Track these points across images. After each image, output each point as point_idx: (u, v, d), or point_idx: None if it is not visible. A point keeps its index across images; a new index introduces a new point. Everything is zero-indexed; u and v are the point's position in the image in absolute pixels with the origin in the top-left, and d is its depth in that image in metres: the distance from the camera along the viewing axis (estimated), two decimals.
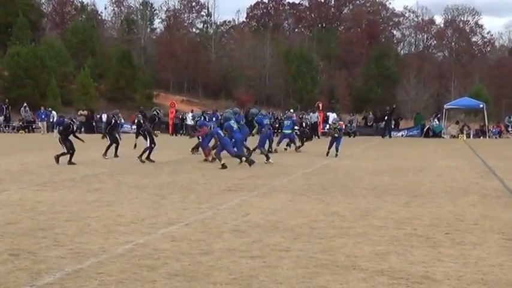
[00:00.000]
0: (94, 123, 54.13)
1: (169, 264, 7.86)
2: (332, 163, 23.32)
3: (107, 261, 7.94)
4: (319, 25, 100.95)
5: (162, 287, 6.88)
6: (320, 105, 53.89)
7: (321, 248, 8.88)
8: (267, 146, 26.72)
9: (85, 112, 55.31)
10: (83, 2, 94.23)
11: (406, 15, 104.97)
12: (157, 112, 25.00)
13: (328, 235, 9.81)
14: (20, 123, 54.80)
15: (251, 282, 7.08)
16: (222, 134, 21.68)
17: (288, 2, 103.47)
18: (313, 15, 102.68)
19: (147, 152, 23.25)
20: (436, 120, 53.70)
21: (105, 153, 24.65)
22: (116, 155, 24.98)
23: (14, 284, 6.88)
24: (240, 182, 17.21)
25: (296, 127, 30.32)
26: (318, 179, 18.24)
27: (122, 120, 31.66)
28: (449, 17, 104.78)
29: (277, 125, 42.23)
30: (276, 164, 22.65)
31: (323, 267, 7.79)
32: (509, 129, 54.60)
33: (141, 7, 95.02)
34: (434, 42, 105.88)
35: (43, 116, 53.09)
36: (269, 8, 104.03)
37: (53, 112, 53.66)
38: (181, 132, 53.97)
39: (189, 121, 54.04)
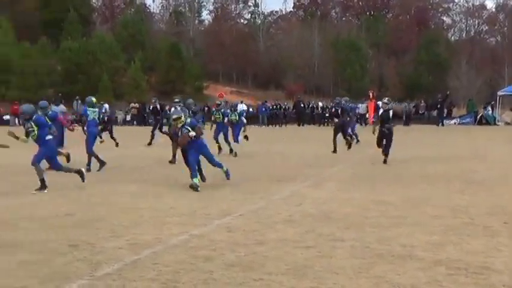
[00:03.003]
0: (145, 116, 54.66)
1: (225, 254, 7.91)
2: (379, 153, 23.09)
3: (163, 252, 8.02)
4: (367, 13, 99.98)
5: (219, 278, 6.92)
6: (371, 93, 53.37)
7: (375, 237, 8.84)
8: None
9: (136, 105, 55.93)
10: None
11: (456, 0, 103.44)
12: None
13: (382, 224, 9.75)
14: (74, 116, 55.54)
15: (306, 272, 7.09)
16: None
17: None
18: (361, 3, 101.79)
19: None
20: (489, 108, 52.81)
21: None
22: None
23: (74, 275, 7.00)
24: (291, 172, 17.20)
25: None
26: (369, 168, 18.13)
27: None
28: (501, 1, 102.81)
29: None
30: (325, 154, 22.56)
31: (379, 257, 7.75)
32: None
33: None
34: (486, 27, 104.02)
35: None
36: None
37: (105, 105, 54.23)
38: None
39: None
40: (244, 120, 23.64)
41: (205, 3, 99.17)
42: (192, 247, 8.32)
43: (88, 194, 13.05)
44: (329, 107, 27.71)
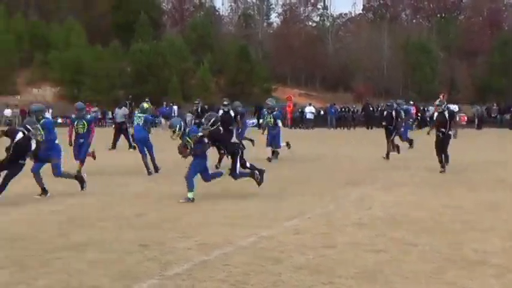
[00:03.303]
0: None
1: (294, 257, 7.88)
2: (454, 155, 22.69)
3: (232, 253, 8.04)
4: (438, 15, 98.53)
5: (288, 280, 6.90)
6: (442, 96, 52.37)
7: (447, 242, 8.68)
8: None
9: (205, 107, 56.28)
10: None
11: None
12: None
13: (454, 229, 9.58)
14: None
15: (377, 277, 7.01)
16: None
17: None
18: (431, 5, 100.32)
19: None
20: None
21: None
22: None
23: (145, 274, 7.08)
24: (360, 175, 17.07)
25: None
26: (439, 171, 17.80)
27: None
28: None
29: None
30: (396, 157, 22.30)
31: (451, 262, 7.62)
32: None
33: (258, 2, 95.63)
34: None
35: (164, 111, 54.40)
36: None
37: (174, 107, 55.01)
38: (300, 125, 54.17)
39: (309, 115, 54.17)
40: (280, 124, 22.01)
41: (274, 6, 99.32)
42: (261, 249, 8.32)
43: (159, 195, 13.19)
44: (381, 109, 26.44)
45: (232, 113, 19.81)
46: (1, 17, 70.33)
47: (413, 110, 50.84)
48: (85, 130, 17.05)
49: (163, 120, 54.19)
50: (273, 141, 21.57)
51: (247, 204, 11.95)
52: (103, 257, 7.84)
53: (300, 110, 56.84)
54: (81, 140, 17.08)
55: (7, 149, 11.82)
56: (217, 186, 14.55)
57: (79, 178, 13.73)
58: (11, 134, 11.79)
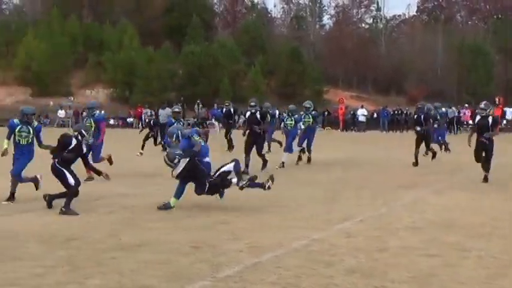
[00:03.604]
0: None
1: (346, 260, 7.81)
2: (510, 160, 22.30)
3: (283, 256, 8.00)
4: (495, 16, 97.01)
5: (340, 283, 6.83)
6: (498, 99, 51.49)
7: (503, 247, 8.52)
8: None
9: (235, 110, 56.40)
10: (254, 1, 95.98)
11: None
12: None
13: (511, 235, 9.39)
14: (194, 119, 56.69)
15: (431, 281, 6.90)
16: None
17: None
18: (487, 6, 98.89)
19: None
20: None
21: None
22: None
23: (197, 276, 7.08)
24: (413, 178, 16.86)
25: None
26: (497, 175, 17.45)
27: None
28: None
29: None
30: (449, 160, 21.98)
31: (506, 268, 7.46)
32: None
33: (310, 4, 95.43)
34: None
35: (215, 113, 54.56)
36: (441, 1, 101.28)
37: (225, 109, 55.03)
38: (352, 128, 53.90)
39: (361, 118, 53.79)
40: (302, 126, 21.32)
41: (326, 8, 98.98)
42: (313, 251, 8.26)
43: (209, 197, 13.21)
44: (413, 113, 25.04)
45: (258, 115, 19.63)
46: (56, 20, 71.55)
47: (467, 113, 50.14)
48: (92, 130, 15.33)
49: (215, 122, 54.48)
50: (306, 142, 21.37)
51: (298, 207, 11.90)
52: (155, 257, 7.87)
53: (352, 112, 56.53)
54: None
55: (53, 151, 11.83)
56: (275, 189, 14.51)
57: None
58: (65, 141, 11.77)
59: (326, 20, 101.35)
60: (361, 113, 54.60)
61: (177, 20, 77.91)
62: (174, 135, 12.54)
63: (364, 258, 7.90)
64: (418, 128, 20.76)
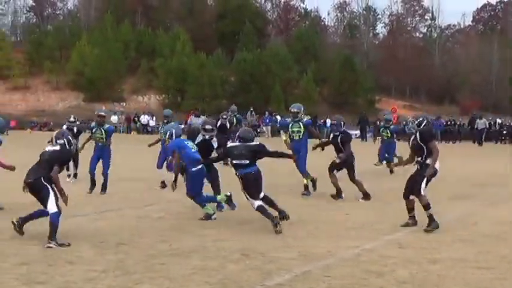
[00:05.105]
0: (317, 128, 54.88)
1: (397, 271, 7.73)
2: None
3: (334, 265, 7.95)
4: None
5: None
6: None
7: None
8: None
9: (308, 117, 56.26)
10: (307, 9, 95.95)
11: None
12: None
13: None
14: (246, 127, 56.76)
15: None
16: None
17: None
18: None
19: None
20: None
21: None
22: None
23: (247, 283, 7.08)
24: (466, 190, 16.62)
25: None
26: None
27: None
28: None
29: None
30: (503, 173, 21.59)
31: None
32: None
33: (364, 12, 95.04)
34: None
35: (267, 121, 54.70)
36: (497, 11, 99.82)
37: (278, 117, 55.16)
38: (404, 137, 53.27)
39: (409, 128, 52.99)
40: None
41: (380, 16, 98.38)
42: (363, 261, 8.19)
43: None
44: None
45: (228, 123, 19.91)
46: (109, 25, 72.41)
47: None
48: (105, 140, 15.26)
49: (265, 129, 54.56)
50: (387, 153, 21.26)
51: (349, 216, 11.82)
52: (205, 264, 7.89)
53: (404, 122, 55.93)
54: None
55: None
56: (322, 198, 14.46)
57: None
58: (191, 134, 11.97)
59: (380, 28, 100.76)
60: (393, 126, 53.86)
61: (230, 27, 78.19)
62: (168, 133, 12.21)
63: (416, 270, 7.81)
64: None
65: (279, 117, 55.15)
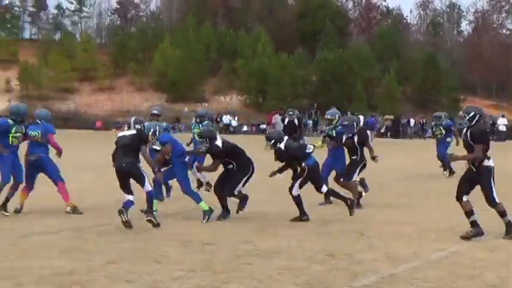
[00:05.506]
0: (400, 128, 54.31)
1: (486, 274, 7.55)
2: None
3: (421, 267, 7.82)
4: None
5: None
6: None
7: None
8: None
9: (391, 116, 55.81)
10: (389, 7, 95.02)
11: None
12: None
13: None
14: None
15: None
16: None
17: None
18: None
19: None
20: None
21: None
22: None
23: (333, 284, 7.04)
24: None
25: None
26: None
27: None
28: None
29: None
30: None
31: None
32: None
33: (448, 9, 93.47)
34: None
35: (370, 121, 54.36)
36: None
37: (360, 117, 54.77)
38: (492, 137, 52.19)
39: (501, 127, 51.87)
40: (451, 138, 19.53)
41: (465, 13, 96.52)
42: (451, 264, 8.04)
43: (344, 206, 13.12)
44: None
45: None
46: (191, 27, 73.31)
47: None
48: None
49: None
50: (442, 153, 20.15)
51: (437, 218, 11.61)
52: (290, 264, 7.88)
53: (491, 122, 54.72)
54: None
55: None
56: (404, 198, 14.28)
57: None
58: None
59: (464, 26, 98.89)
60: (502, 123, 52.80)
61: (311, 26, 78.10)
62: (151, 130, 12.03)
63: (506, 273, 7.61)
64: None
65: (361, 117, 54.85)
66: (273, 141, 11.52)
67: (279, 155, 11.52)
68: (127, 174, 10.40)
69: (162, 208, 11.92)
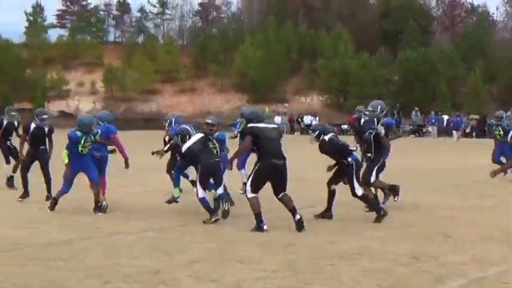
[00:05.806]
0: (486, 128, 53.05)
1: None
2: None
3: (510, 272, 7.57)
4: None
5: None
6: None
7: None
8: None
9: (476, 116, 54.69)
10: (474, 4, 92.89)
11: None
12: None
13: None
14: (411, 127, 55.81)
15: None
16: None
17: None
18: None
19: None
20: None
21: None
22: None
23: (418, 286, 6.88)
24: None
25: None
26: None
27: None
28: None
29: None
30: None
31: None
32: None
33: None
34: None
35: (433, 120, 53.56)
36: None
37: (444, 116, 54.01)
38: None
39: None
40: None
41: None
42: None
43: (428, 207, 12.85)
44: None
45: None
46: (271, 28, 73.37)
47: None
48: None
49: (431, 129, 53.42)
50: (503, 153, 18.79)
51: None
52: (374, 266, 7.75)
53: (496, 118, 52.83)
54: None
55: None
56: (489, 200, 13.92)
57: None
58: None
59: None
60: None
61: (393, 26, 77.05)
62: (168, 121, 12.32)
63: None
64: None
65: (446, 117, 54.03)
66: (317, 132, 11.53)
67: (322, 146, 11.44)
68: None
69: (238, 210, 11.88)
